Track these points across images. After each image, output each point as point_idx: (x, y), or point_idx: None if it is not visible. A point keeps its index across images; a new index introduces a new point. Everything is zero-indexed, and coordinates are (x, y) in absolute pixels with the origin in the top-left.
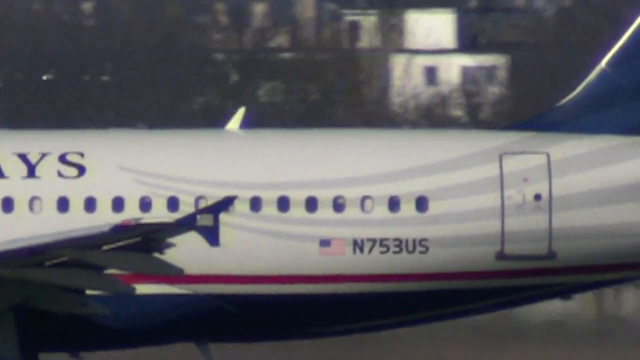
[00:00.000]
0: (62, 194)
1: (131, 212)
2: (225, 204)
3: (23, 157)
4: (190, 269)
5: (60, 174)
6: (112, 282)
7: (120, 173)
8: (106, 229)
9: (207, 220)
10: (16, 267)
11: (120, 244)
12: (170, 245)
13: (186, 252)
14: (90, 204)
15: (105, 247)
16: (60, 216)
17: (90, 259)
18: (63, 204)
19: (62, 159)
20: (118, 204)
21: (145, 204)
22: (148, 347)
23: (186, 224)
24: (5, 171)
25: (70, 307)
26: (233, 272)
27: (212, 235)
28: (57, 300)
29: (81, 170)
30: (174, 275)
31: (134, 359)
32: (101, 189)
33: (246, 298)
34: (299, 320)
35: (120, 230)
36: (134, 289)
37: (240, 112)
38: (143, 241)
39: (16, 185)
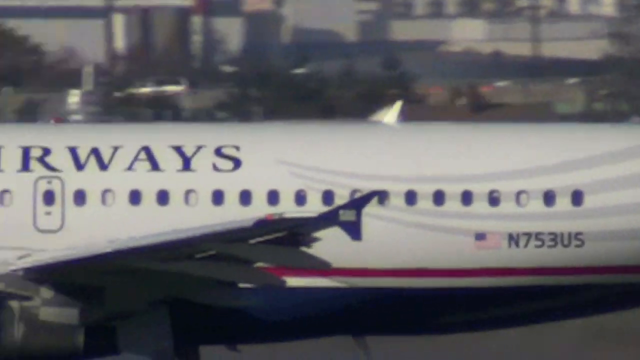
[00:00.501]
0: (217, 187)
1: (286, 206)
2: (368, 199)
3: (179, 150)
4: (340, 262)
5: (215, 167)
6: (261, 275)
7: (276, 166)
8: (249, 222)
9: (349, 215)
10: (166, 260)
11: (268, 237)
12: (316, 239)
13: (335, 245)
14: (245, 197)
15: (252, 241)
16: (215, 209)
17: (237, 252)
18: (218, 197)
19: (218, 152)
20: (273, 198)
21: (300, 198)
22: (304, 339)
23: (328, 219)
24: (161, 164)
25: (222, 300)
26: (386, 266)
27: (354, 230)
28: (210, 293)
29: (237, 163)
30: (321, 269)
31: (292, 351)
32: (256, 182)
33: (400, 292)
34: (454, 314)
35: (263, 225)
36: (284, 282)
37: (397, 105)
38: (290, 235)
39: (172, 178)
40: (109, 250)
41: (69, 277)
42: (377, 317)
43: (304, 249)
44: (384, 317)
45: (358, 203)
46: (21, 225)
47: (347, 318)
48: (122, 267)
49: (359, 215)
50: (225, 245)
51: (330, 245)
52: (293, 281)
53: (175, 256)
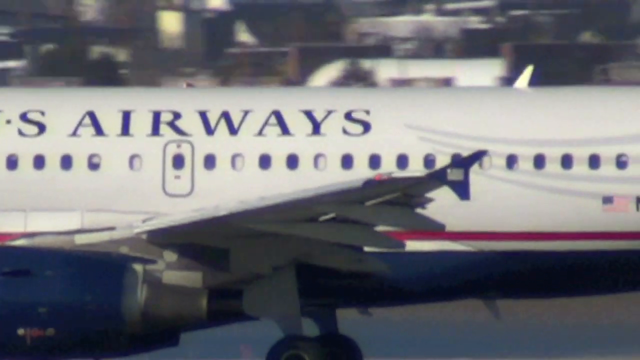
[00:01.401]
0: (347, 151)
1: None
2: (475, 158)
3: (309, 115)
4: (467, 225)
5: (345, 131)
6: (381, 238)
7: (406, 131)
8: (358, 182)
9: (457, 174)
10: (284, 222)
11: (383, 199)
12: (430, 200)
13: (461, 208)
14: (375, 162)
15: (368, 203)
16: (344, 173)
17: (354, 214)
18: (348, 161)
19: (348, 116)
20: (402, 162)
21: (429, 162)
22: (435, 303)
23: (437, 178)
24: (291, 128)
25: (347, 263)
26: (513, 229)
27: (463, 190)
28: (335, 257)
29: (366, 127)
30: (436, 230)
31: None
32: (386, 146)
33: (527, 254)
34: (581, 277)
35: (371, 184)
36: (403, 245)
37: (529, 70)
38: (404, 196)
39: (301, 143)
40: (224, 212)
41: (193, 239)
42: (505, 281)
43: (418, 210)
44: (511, 281)
45: (465, 162)
46: (151, 190)
47: (476, 282)
48: (241, 230)
49: (466, 174)
50: (341, 207)
51: (456, 207)
52: (420, 245)
53: (292, 218)
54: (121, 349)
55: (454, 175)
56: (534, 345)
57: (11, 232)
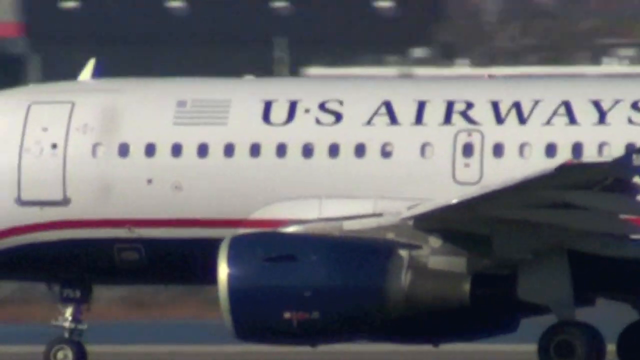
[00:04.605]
0: (632, 140)
1: None
2: None
3: (596, 104)
4: None
5: (630, 121)
6: (615, 223)
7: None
8: (551, 168)
9: None
10: (510, 207)
11: (603, 185)
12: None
13: None
14: None
15: (595, 189)
16: None
17: (567, 199)
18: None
19: (635, 106)
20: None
21: None
22: None
23: (622, 164)
24: (578, 117)
25: (607, 250)
26: None
27: None
28: (593, 242)
29: None
30: None
31: None
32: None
33: None
34: None
35: (563, 169)
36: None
37: None
38: (618, 182)
39: (587, 132)
40: (455, 200)
41: (454, 225)
42: None
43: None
44: None
45: None
46: (441, 177)
47: None
48: (482, 216)
49: None
50: (559, 192)
51: None
52: None
53: (510, 204)
54: (384, 332)
55: (639, 160)
56: None
57: (306, 218)
